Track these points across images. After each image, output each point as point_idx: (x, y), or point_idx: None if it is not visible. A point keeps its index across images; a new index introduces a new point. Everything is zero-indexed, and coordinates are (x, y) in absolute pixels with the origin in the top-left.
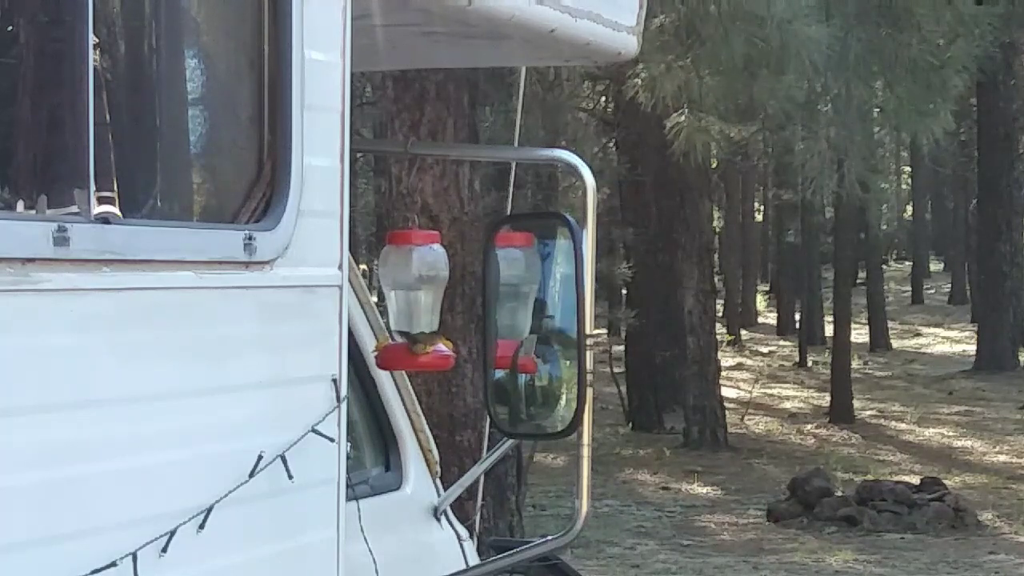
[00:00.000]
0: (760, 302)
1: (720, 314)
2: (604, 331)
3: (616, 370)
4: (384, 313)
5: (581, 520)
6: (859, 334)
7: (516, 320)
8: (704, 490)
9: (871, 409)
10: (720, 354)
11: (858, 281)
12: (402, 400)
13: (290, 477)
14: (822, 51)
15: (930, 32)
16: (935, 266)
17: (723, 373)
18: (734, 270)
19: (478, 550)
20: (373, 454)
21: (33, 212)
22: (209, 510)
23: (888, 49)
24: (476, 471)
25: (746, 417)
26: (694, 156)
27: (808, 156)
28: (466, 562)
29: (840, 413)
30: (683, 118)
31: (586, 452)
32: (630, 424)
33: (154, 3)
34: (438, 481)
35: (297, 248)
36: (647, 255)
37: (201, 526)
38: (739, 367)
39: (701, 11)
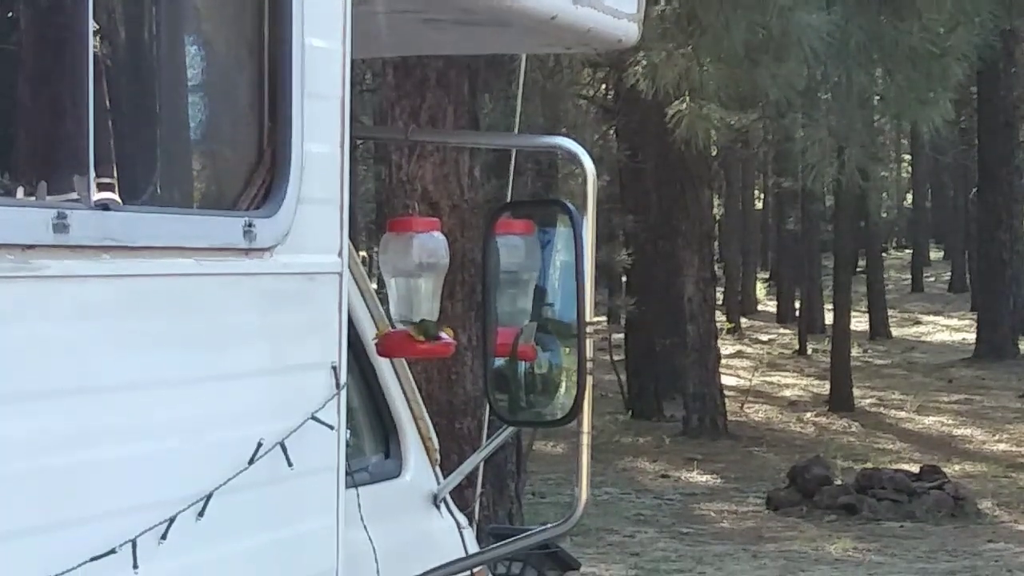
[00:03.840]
0: (760, 290)
1: (720, 302)
2: (604, 319)
3: (616, 358)
4: (384, 300)
5: (580, 508)
6: (859, 322)
7: (516, 308)
8: (704, 478)
9: (871, 397)
10: (720, 342)
11: (858, 269)
12: (402, 388)
13: (290, 464)
14: (822, 39)
15: (930, 20)
16: (935, 254)
17: (723, 361)
18: (734, 258)
19: (477, 538)
20: (373, 442)
21: (33, 198)
22: (208, 497)
23: (888, 37)
24: (476, 459)
25: (746, 405)
26: (695, 144)
27: (808, 144)
28: (465, 550)
29: (840, 401)
30: (684, 105)
31: (586, 440)
32: (630, 412)
33: None
34: (437, 469)
35: (297, 235)
36: (647, 243)
37: (200, 513)
38: (739, 355)
39: None
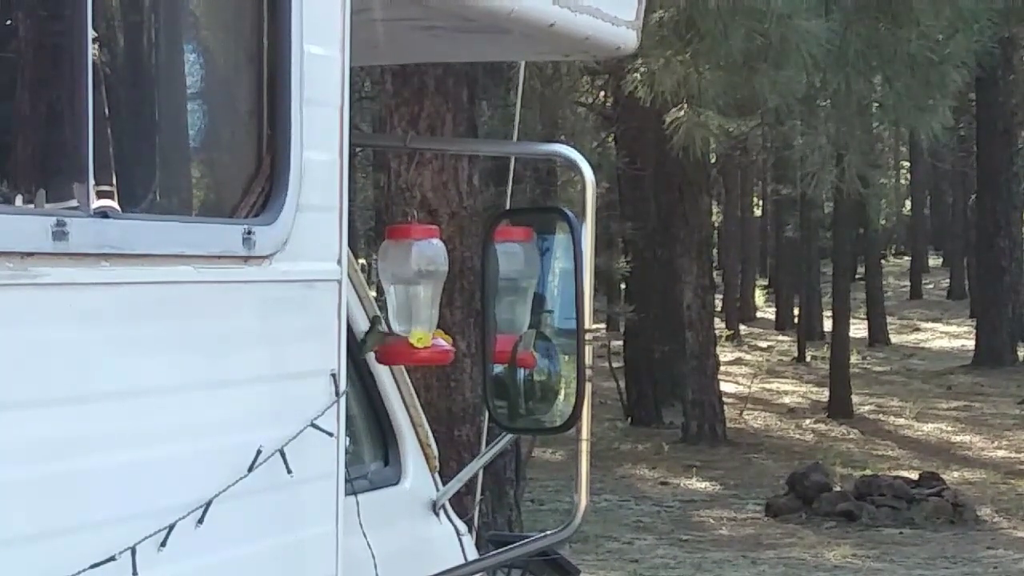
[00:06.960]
0: (759, 297)
1: (719, 309)
2: (603, 326)
3: (615, 365)
4: (383, 308)
5: (580, 515)
6: (858, 329)
7: (515, 315)
8: (703, 485)
9: (870, 404)
10: (719, 349)
11: (857, 276)
12: (401, 395)
13: (289, 471)
14: (821, 46)
15: (929, 27)
16: (934, 261)
17: (722, 368)
18: (733, 265)
19: (477, 545)
20: (372, 449)
21: (32, 206)
22: (208, 504)
23: (887, 44)
24: (475, 466)
25: (745, 412)
26: (693, 151)
27: (807, 151)
28: (465, 557)
29: (839, 408)
30: (682, 113)
31: (585, 447)
32: (629, 419)
33: None
34: (437, 476)
35: (296, 242)
36: (646, 250)
37: (200, 520)
38: (738, 362)
39: (700, 6)
